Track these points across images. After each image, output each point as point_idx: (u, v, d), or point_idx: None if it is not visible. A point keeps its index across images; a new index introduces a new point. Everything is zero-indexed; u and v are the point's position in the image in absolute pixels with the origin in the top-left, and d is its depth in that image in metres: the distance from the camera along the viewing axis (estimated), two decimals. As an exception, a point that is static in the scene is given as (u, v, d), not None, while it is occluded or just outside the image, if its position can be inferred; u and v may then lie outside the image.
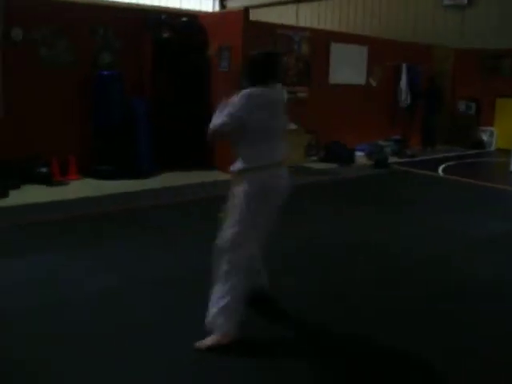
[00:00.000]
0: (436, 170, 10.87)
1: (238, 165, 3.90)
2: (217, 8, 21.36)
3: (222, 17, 10.25)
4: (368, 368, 3.49)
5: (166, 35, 9.15)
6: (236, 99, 3.84)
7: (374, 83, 12.77)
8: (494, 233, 6.62)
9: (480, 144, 14.24)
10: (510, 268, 5.48)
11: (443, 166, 11.32)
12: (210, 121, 3.94)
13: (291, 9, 18.93)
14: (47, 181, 8.11)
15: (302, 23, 17.95)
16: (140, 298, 4.37)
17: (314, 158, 11.05)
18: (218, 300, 3.65)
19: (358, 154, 11.58)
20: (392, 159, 11.53)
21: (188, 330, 3.81)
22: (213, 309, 3.67)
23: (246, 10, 9.26)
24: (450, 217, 7.26)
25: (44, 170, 8.19)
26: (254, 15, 16.92)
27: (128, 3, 15.99)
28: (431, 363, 3.56)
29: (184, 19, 9.61)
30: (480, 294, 4.77)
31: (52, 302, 4.25)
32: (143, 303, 4.29)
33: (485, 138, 14.37)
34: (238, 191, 3.80)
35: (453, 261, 5.59)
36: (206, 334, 3.62)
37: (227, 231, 3.73)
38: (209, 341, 3.62)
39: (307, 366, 3.50)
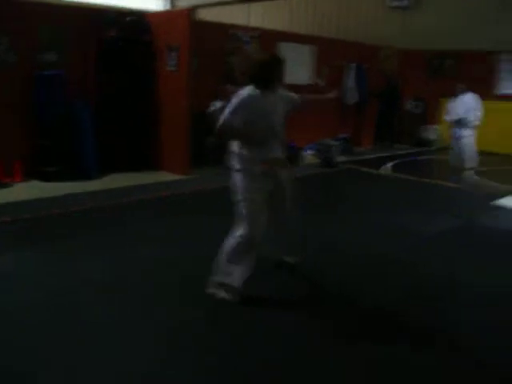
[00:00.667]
0: (383, 168, 11.05)
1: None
2: (167, 6, 21.19)
3: (169, 16, 10.17)
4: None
5: (111, 34, 9.04)
6: (233, 100, 4.20)
7: (321, 83, 12.88)
8: (439, 229, 6.78)
9: (426, 142, 14.55)
10: (459, 264, 5.60)
11: (390, 164, 11.53)
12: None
13: (243, 8, 18.92)
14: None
15: (253, 23, 17.98)
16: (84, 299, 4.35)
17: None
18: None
19: (307, 153, 11.68)
20: (340, 158, 11.67)
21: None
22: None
23: (193, 9, 9.24)
24: (395, 214, 7.40)
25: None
26: (205, 14, 16.89)
27: (73, 1, 15.70)
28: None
29: (130, 18, 9.52)
30: (435, 290, 4.90)
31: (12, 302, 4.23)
32: (87, 304, 4.26)
33: (430, 136, 14.68)
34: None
35: (402, 258, 5.67)
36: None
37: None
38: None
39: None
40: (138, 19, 9.54)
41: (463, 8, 14.12)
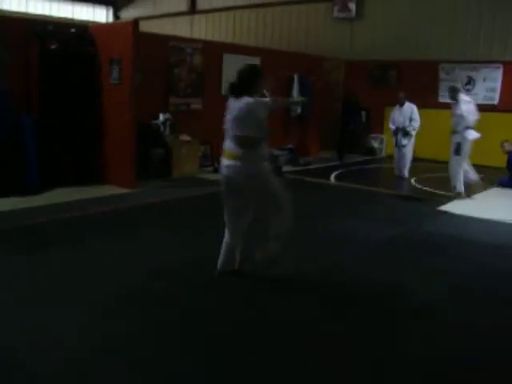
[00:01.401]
0: (328, 177, 11.19)
1: None
2: (110, 18, 21.09)
3: (113, 28, 10.12)
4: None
5: (53, 47, 8.93)
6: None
7: (267, 94, 12.95)
8: (384, 237, 6.92)
9: (371, 151, 14.82)
10: (403, 270, 5.73)
11: (336, 173, 11.68)
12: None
13: (186, 20, 18.98)
14: None
15: (196, 35, 18.04)
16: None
17: (209, 168, 11.08)
18: None
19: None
20: (286, 168, 11.76)
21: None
22: None
23: (136, 21, 9.19)
24: (340, 223, 7.50)
25: None
26: (149, 26, 16.89)
27: (14, 12, 15.47)
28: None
29: (72, 30, 9.42)
30: (377, 297, 4.98)
31: None
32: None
33: (375, 144, 14.97)
34: None
35: (346, 266, 5.76)
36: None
37: None
38: None
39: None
40: (81, 31, 9.43)
41: (405, 20, 14.51)
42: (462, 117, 9.19)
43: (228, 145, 4.90)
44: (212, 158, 11.22)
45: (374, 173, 13.07)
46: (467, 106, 9.33)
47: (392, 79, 14.75)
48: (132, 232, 6.75)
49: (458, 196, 9.40)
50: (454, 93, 9.44)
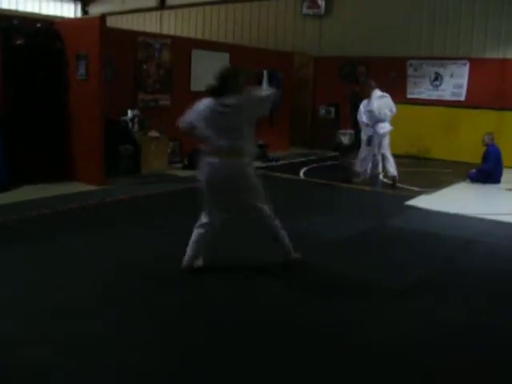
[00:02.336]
0: (297, 173, 11.22)
1: None
2: (78, 14, 20.84)
3: (79, 23, 9.98)
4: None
5: (18, 42, 8.79)
6: None
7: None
8: (351, 232, 6.95)
9: (340, 147, 14.86)
10: (370, 265, 5.76)
11: (304, 169, 11.72)
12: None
13: (155, 16, 18.85)
14: None
15: (165, 30, 17.94)
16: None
17: (178, 165, 11.04)
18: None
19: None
20: (255, 164, 11.71)
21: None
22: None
23: (103, 16, 9.10)
24: (306, 219, 7.49)
25: None
26: (117, 22, 16.75)
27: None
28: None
29: (38, 25, 9.28)
30: (343, 292, 5.03)
31: None
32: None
33: (345, 140, 15.02)
34: None
35: (310, 263, 5.71)
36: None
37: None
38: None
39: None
40: (47, 26, 9.30)
41: (374, 16, 14.59)
42: (372, 112, 9.76)
43: (226, 143, 4.93)
44: (181, 155, 11.18)
45: (343, 168, 13.11)
46: (381, 101, 9.84)
47: (361, 75, 14.81)
48: (102, 229, 6.70)
49: (357, 178, 10.18)
50: (368, 90, 9.99)
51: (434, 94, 14.06)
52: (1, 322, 4.09)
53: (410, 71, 14.35)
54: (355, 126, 12.29)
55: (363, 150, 10.15)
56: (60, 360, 3.59)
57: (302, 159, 13.16)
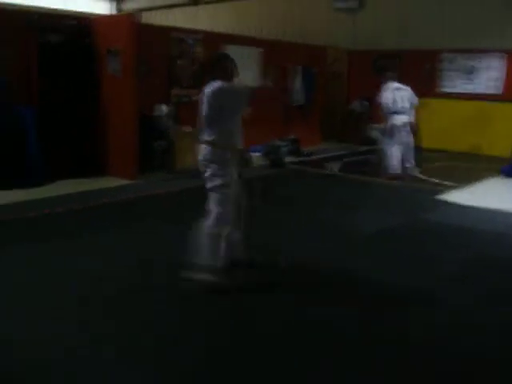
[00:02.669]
0: (330, 168, 11.16)
1: None
2: (112, 11, 21.02)
3: (113, 20, 10.12)
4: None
5: (52, 39, 8.93)
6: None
7: (269, 84, 12.93)
8: (383, 227, 6.90)
9: (372, 141, 14.73)
10: (403, 260, 5.73)
11: (337, 163, 11.65)
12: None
13: (188, 11, 18.90)
14: None
15: (199, 26, 17.97)
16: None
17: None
18: None
19: (254, 154, 11.71)
20: (288, 159, 11.76)
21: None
22: None
23: (136, 12, 9.20)
24: (340, 214, 7.50)
25: None
26: (150, 18, 16.85)
27: (13, 4, 15.43)
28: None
29: (72, 22, 9.41)
30: (376, 286, 4.99)
31: None
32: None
33: (376, 135, 14.88)
34: None
35: (346, 258, 5.74)
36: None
37: None
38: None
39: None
40: (81, 23, 9.43)
41: (407, 8, 14.43)
42: (384, 104, 9.73)
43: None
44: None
45: (375, 163, 13.02)
46: (398, 93, 9.69)
47: (395, 68, 14.67)
48: (132, 224, 6.77)
49: (389, 175, 9.84)
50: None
51: (468, 88, 13.85)
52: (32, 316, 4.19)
53: (444, 64, 14.17)
54: None
55: (385, 145, 10.03)
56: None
57: (334, 154, 13.09)
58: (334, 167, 11.26)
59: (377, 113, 14.06)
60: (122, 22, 9.06)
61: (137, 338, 3.91)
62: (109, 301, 4.53)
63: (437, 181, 9.94)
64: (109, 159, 9.43)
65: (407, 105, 9.71)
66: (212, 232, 4.67)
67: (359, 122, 14.75)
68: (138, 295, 4.65)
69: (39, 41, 8.83)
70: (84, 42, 9.21)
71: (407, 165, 9.94)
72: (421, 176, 10.27)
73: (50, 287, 4.73)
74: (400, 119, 9.69)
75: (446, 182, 9.71)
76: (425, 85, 13.18)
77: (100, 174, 9.31)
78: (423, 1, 14.24)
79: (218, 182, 4.68)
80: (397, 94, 9.72)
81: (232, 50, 11.71)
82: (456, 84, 13.99)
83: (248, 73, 12.41)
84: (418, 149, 10.66)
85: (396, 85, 9.82)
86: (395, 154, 9.80)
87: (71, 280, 4.88)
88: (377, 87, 10.03)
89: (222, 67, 4.90)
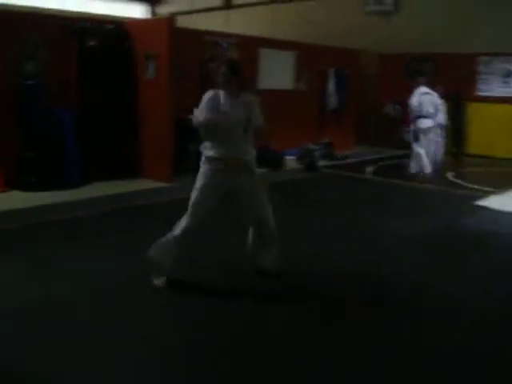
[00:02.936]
0: (364, 171, 11.13)
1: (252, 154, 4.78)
2: (146, 15, 21.22)
3: (149, 24, 10.22)
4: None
5: (91, 43, 9.07)
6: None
7: (303, 88, 12.98)
8: (420, 232, 6.83)
9: (406, 145, 14.61)
10: (440, 266, 5.65)
11: (372, 167, 11.60)
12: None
13: (221, 15, 18.99)
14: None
15: (232, 29, 18.04)
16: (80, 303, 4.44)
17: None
18: None
19: (288, 158, 11.74)
20: (322, 162, 11.75)
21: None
22: None
23: (172, 17, 9.28)
24: (376, 218, 7.45)
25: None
26: (183, 22, 16.92)
27: (54, 10, 15.69)
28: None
29: (110, 27, 9.55)
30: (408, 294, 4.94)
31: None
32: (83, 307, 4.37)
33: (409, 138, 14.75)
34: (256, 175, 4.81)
35: (383, 262, 5.70)
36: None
37: (268, 209, 4.81)
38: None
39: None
40: (118, 28, 9.56)
41: (441, 12, 14.29)
42: (412, 107, 9.80)
43: None
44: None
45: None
46: (424, 97, 9.73)
47: (427, 72, 14.55)
48: (162, 226, 6.73)
49: (425, 176, 9.77)
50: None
51: (505, 91, 13.66)
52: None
53: (479, 67, 14.00)
54: None
55: (414, 148, 10.10)
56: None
57: (368, 157, 13.04)
58: (369, 171, 11.20)
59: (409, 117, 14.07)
60: (160, 27, 9.15)
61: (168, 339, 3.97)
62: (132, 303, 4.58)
63: (473, 186, 9.82)
64: (145, 162, 9.53)
65: (432, 110, 9.78)
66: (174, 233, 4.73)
67: (393, 125, 14.66)
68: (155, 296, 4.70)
69: (79, 45, 8.99)
70: (123, 46, 9.33)
71: (433, 167, 9.99)
72: (456, 180, 10.17)
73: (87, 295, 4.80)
74: (425, 123, 9.77)
75: (483, 187, 9.58)
76: (461, 88, 13.02)
77: (136, 176, 9.42)
78: (459, 4, 14.08)
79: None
80: (423, 99, 9.81)
81: (266, 54, 11.82)
82: (492, 87, 13.82)
83: (282, 76, 12.49)
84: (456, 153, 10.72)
85: (424, 89, 9.89)
86: (423, 157, 9.82)
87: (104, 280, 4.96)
88: (409, 91, 10.04)
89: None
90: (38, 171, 8.51)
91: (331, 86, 13.51)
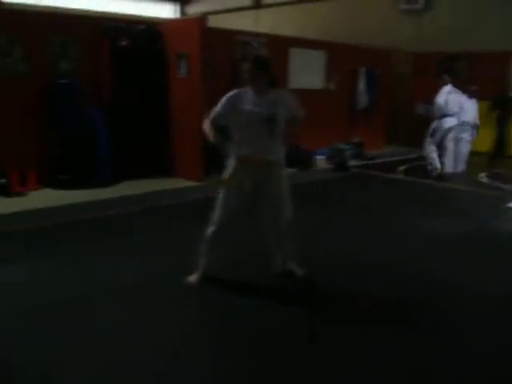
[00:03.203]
0: (395, 171, 11.04)
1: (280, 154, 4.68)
2: (176, 14, 21.34)
3: (180, 24, 10.24)
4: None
5: (123, 43, 9.13)
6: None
7: (333, 87, 12.92)
8: (453, 233, 6.75)
9: (438, 145, 14.46)
10: (473, 268, 5.57)
11: (402, 167, 11.51)
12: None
13: (251, 14, 19.01)
14: (5, 192, 8.02)
15: (262, 29, 18.04)
16: (109, 303, 4.45)
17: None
18: None
19: (318, 157, 11.69)
20: (352, 162, 11.68)
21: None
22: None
23: (203, 17, 9.29)
24: (409, 218, 7.38)
25: (2, 181, 8.09)
26: (214, 21, 16.96)
27: (85, 10, 15.87)
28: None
29: (142, 27, 9.61)
30: (445, 295, 4.87)
31: (22, 309, 4.27)
32: (112, 308, 4.37)
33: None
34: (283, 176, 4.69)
35: (416, 263, 5.64)
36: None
37: (288, 210, 4.70)
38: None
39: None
40: (149, 28, 9.61)
41: (475, 9, 14.12)
42: (437, 105, 10.22)
43: None
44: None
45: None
46: (450, 96, 10.14)
47: (460, 71, 14.37)
48: (185, 228, 6.67)
49: (435, 171, 10.28)
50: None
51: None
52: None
53: (514, 66, 13.78)
54: None
55: (427, 144, 10.57)
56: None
57: (399, 157, 12.92)
58: (400, 171, 11.11)
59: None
60: (191, 26, 9.16)
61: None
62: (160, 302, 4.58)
63: (507, 187, 9.67)
64: (176, 161, 9.57)
65: (456, 109, 10.05)
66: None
67: (425, 125, 14.49)
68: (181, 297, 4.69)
69: (111, 45, 9.06)
70: (155, 46, 9.38)
71: (459, 167, 10.42)
72: (489, 181, 10.05)
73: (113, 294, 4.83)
74: (448, 122, 10.13)
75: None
76: (495, 87, 12.81)
77: (167, 175, 9.46)
78: (492, 2, 13.89)
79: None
80: (449, 98, 10.10)
81: (297, 53, 11.79)
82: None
83: (313, 76, 12.45)
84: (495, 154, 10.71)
85: (449, 88, 10.18)
86: (432, 154, 10.42)
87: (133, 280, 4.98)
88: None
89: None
90: (70, 170, 8.61)
91: (362, 85, 13.42)
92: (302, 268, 4.97)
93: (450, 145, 10.27)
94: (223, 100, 4.65)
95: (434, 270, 5.45)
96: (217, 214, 4.68)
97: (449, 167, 10.36)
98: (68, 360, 3.57)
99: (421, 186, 9.82)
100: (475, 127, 10.73)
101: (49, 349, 3.70)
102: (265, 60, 4.72)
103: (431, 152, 10.49)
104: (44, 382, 3.34)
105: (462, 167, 10.54)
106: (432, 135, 10.40)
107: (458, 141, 10.39)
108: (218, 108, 4.67)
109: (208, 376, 3.44)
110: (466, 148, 10.66)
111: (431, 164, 10.46)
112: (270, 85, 4.59)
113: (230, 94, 4.63)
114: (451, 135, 10.24)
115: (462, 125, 10.33)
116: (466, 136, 10.63)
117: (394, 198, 8.85)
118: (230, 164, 4.67)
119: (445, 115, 10.10)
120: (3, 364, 3.49)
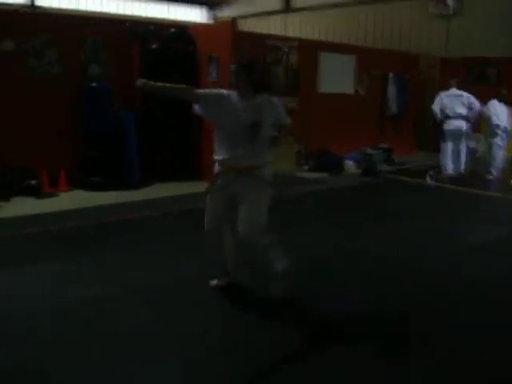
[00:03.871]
0: (424, 177, 10.94)
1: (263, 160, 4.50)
2: (206, 18, 21.42)
3: (211, 28, 10.32)
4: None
5: (154, 46, 9.19)
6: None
7: (362, 92, 12.87)
8: (487, 239, 6.69)
9: (470, 151, 14.31)
10: (504, 274, 5.54)
11: (432, 172, 11.40)
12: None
13: (280, 18, 19.00)
14: (36, 193, 8.11)
15: (290, 33, 18.04)
16: (136, 305, 4.47)
17: (305, 167, 11.08)
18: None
19: (347, 162, 11.64)
20: (381, 167, 11.61)
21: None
22: None
23: (234, 21, 9.34)
24: (439, 224, 7.35)
25: (33, 182, 8.18)
26: (243, 25, 17.03)
27: (117, 14, 16.03)
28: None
29: (172, 30, 9.66)
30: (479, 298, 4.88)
31: (48, 310, 4.31)
32: (139, 310, 4.39)
33: (472, 144, 14.44)
34: (264, 185, 4.46)
35: (447, 269, 5.61)
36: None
37: (262, 219, 4.39)
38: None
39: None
40: (180, 31, 9.67)
41: (506, 14, 13.95)
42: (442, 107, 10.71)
43: None
44: (306, 157, 11.20)
45: (471, 173, 12.64)
46: (454, 99, 10.58)
47: (492, 76, 14.22)
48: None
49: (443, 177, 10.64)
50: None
51: None
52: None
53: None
54: None
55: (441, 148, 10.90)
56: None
57: (428, 163, 12.79)
58: (428, 177, 11.01)
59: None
60: (220, 29, 9.22)
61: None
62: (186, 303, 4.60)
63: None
64: (205, 164, 9.58)
65: (461, 110, 10.42)
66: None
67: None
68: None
69: (142, 48, 9.12)
70: (185, 49, 9.43)
71: (461, 168, 10.72)
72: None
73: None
74: (449, 124, 10.55)
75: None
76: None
77: (196, 178, 9.47)
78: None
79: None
80: (449, 100, 10.50)
81: (326, 57, 11.76)
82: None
83: (342, 80, 12.40)
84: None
85: (455, 91, 10.58)
86: (449, 157, 10.76)
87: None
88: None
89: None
90: (101, 171, 8.68)
91: (391, 90, 13.35)
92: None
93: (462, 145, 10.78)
94: (216, 90, 4.56)
95: (470, 275, 5.42)
96: (205, 219, 4.67)
97: (450, 169, 10.77)
98: (68, 360, 3.62)
99: (451, 192, 9.74)
100: (506, 131, 10.64)
101: (69, 347, 3.76)
102: (250, 64, 4.46)
103: (444, 157, 10.88)
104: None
105: (460, 168, 10.86)
106: (443, 139, 10.85)
107: (490, 145, 10.65)
108: (207, 91, 4.66)
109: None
110: (499, 152, 10.58)
111: (445, 171, 10.82)
112: (256, 90, 4.45)
113: (223, 91, 4.47)
114: (456, 137, 10.67)
115: (495, 128, 10.33)
116: (497, 140, 10.53)
117: (425, 203, 8.79)
118: (215, 169, 4.56)
119: (447, 117, 10.58)
120: (42, 364, 3.55)
